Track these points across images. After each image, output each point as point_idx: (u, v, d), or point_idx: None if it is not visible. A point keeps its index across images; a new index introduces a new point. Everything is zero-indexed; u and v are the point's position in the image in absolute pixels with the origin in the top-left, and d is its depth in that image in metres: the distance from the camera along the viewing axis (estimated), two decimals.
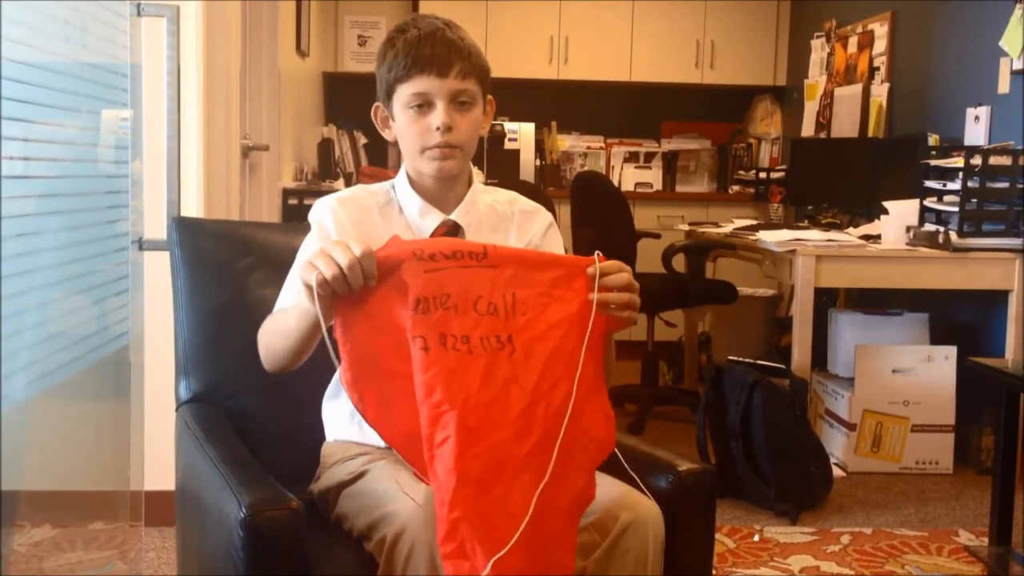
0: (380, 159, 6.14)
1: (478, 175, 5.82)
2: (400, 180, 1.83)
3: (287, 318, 1.65)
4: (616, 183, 6.31)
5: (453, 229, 1.80)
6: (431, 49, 1.70)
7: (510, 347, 1.48)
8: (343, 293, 1.45)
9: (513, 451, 1.43)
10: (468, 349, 1.46)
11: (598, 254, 1.56)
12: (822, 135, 5.74)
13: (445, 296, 1.47)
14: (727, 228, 4.83)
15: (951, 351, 3.95)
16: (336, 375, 1.87)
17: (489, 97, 1.81)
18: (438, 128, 1.71)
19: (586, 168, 6.48)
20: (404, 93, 1.73)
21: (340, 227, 1.76)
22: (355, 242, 1.46)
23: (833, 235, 4.12)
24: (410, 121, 1.73)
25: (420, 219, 1.80)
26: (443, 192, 1.80)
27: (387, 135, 1.82)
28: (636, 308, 1.60)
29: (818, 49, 5.98)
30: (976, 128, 4.18)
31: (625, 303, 1.57)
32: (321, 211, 1.79)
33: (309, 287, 1.45)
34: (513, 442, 1.43)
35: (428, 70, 1.70)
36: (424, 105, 1.72)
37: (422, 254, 1.49)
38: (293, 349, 1.66)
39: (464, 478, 1.39)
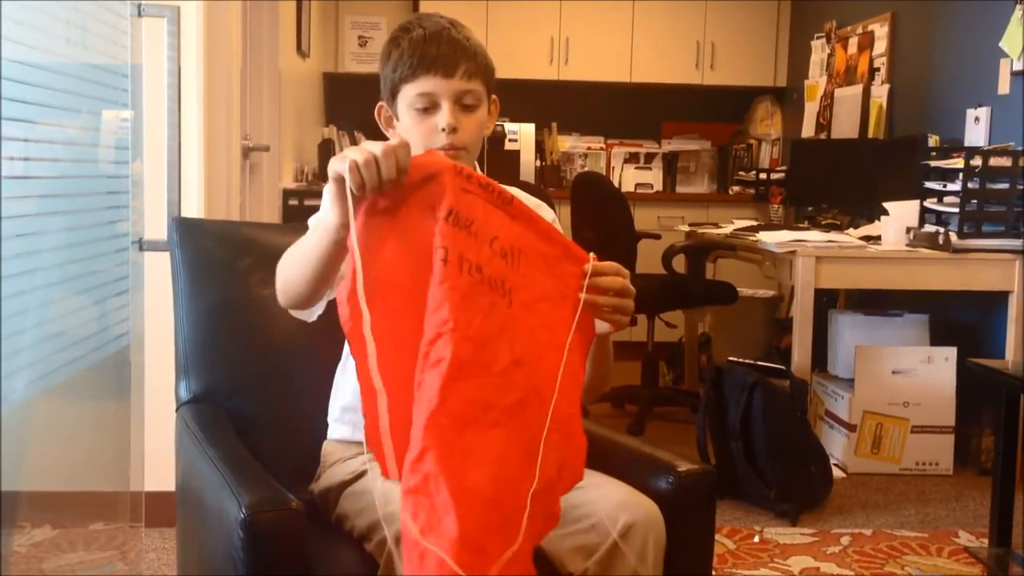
0: None
1: None
2: None
3: (306, 239, 1.55)
4: (616, 184, 6.31)
5: None
6: (436, 49, 1.69)
7: (508, 298, 1.44)
8: (373, 187, 1.36)
9: (492, 400, 1.38)
10: (480, 279, 1.41)
11: (593, 256, 1.54)
12: (822, 136, 5.74)
13: (470, 220, 1.42)
14: (727, 229, 4.83)
15: (951, 352, 3.95)
16: (338, 372, 1.87)
17: (494, 97, 1.80)
18: (443, 129, 1.69)
19: (586, 169, 6.48)
20: (409, 93, 1.71)
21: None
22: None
23: (833, 236, 4.13)
24: (415, 121, 1.72)
25: None
26: None
27: (390, 135, 1.80)
28: (627, 313, 1.56)
29: (818, 50, 5.98)
30: (976, 129, 4.18)
31: (614, 307, 1.53)
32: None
33: (339, 179, 1.36)
34: (493, 391, 1.39)
35: (433, 70, 1.68)
36: (429, 106, 1.70)
37: (460, 171, 1.44)
38: (313, 273, 1.54)
39: (443, 407, 1.34)
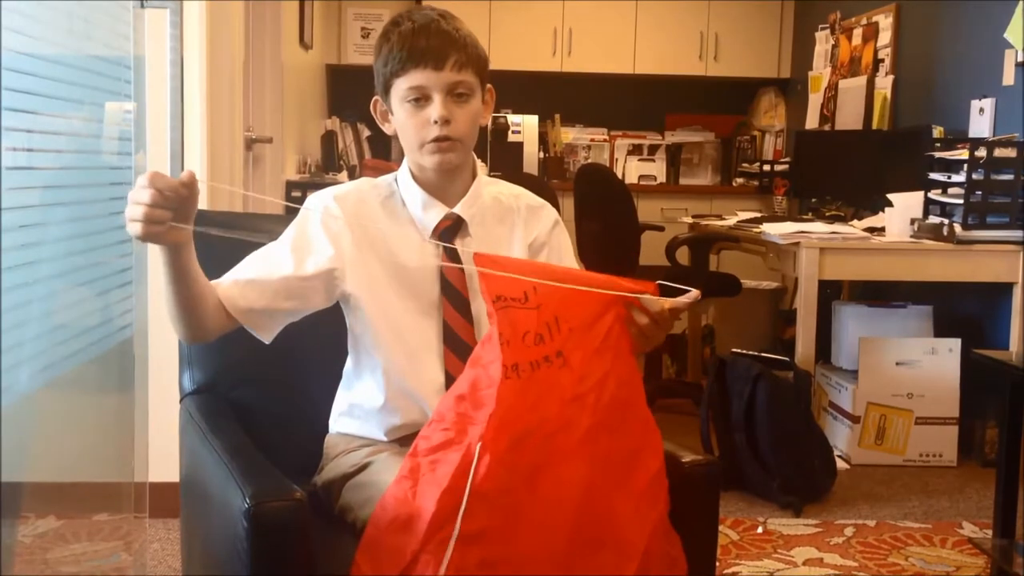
0: (383, 152, 6.13)
1: (482, 167, 5.79)
2: (402, 174, 1.82)
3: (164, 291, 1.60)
4: (620, 176, 6.31)
5: (456, 223, 1.79)
6: (426, 41, 1.69)
7: (559, 360, 1.50)
8: (159, 218, 1.42)
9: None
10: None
11: (658, 284, 1.57)
12: (826, 127, 5.73)
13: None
14: (731, 221, 4.82)
15: (955, 343, 3.94)
16: (347, 366, 1.86)
17: (489, 87, 1.80)
18: (436, 121, 1.69)
19: (590, 161, 6.47)
20: (401, 87, 1.71)
21: (331, 227, 1.73)
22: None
23: (837, 227, 4.12)
24: (408, 115, 1.72)
25: (423, 213, 1.79)
26: (446, 185, 1.79)
27: (387, 129, 1.81)
28: (655, 341, 1.61)
29: (822, 41, 5.97)
30: (981, 120, 4.17)
31: (642, 327, 1.57)
32: (315, 208, 1.76)
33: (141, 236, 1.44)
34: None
35: (424, 63, 1.68)
36: (421, 98, 1.70)
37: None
38: (180, 310, 1.60)
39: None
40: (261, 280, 1.68)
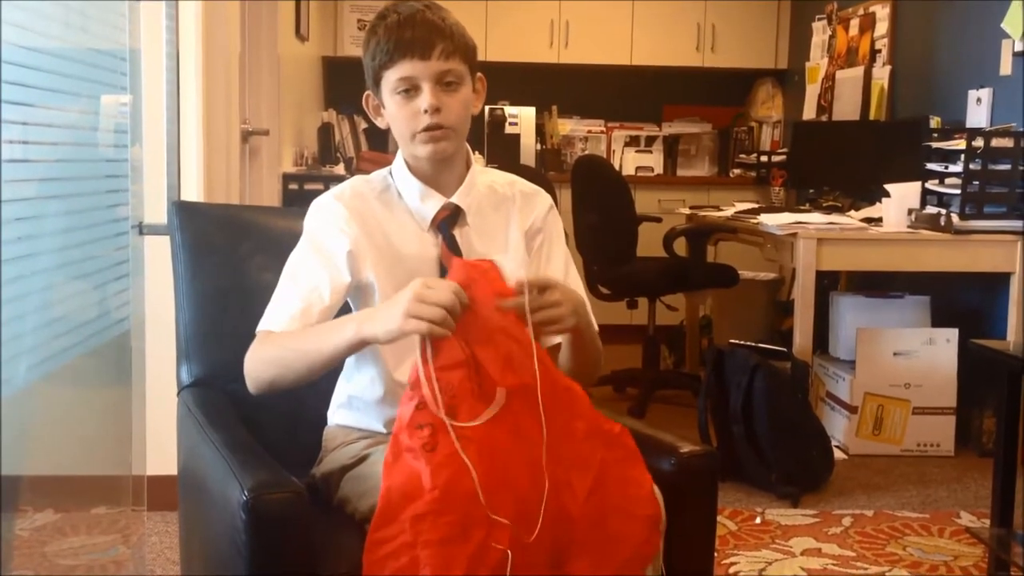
0: (380, 144, 6.12)
1: (478, 160, 5.79)
2: (398, 166, 1.82)
3: (325, 338, 1.63)
4: (617, 167, 6.31)
5: (454, 212, 1.79)
6: (412, 32, 1.69)
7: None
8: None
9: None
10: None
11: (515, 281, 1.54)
12: (823, 118, 5.72)
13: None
14: (728, 212, 4.82)
15: (952, 334, 3.94)
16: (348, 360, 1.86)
17: (479, 75, 1.79)
18: (426, 111, 1.69)
19: (587, 152, 6.47)
20: (390, 79, 1.71)
21: (340, 225, 1.74)
22: (439, 281, 1.52)
23: (834, 218, 4.12)
24: (398, 107, 1.72)
25: (421, 203, 1.79)
26: (441, 175, 1.79)
27: (379, 122, 1.81)
28: (560, 320, 1.57)
29: (819, 32, 5.96)
30: (978, 110, 4.17)
31: (549, 319, 1.55)
32: (319, 212, 1.78)
33: (421, 334, 1.48)
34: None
35: (410, 54, 1.69)
36: (411, 89, 1.70)
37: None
38: (323, 368, 1.66)
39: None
40: (311, 308, 1.71)
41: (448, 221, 1.78)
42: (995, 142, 3.71)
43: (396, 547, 1.42)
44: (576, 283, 1.82)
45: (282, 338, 1.69)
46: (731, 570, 2.87)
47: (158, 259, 2.45)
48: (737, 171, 6.56)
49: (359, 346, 1.60)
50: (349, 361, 1.84)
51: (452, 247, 1.76)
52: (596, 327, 1.75)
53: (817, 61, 5.94)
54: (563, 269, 1.84)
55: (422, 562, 1.40)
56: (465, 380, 1.48)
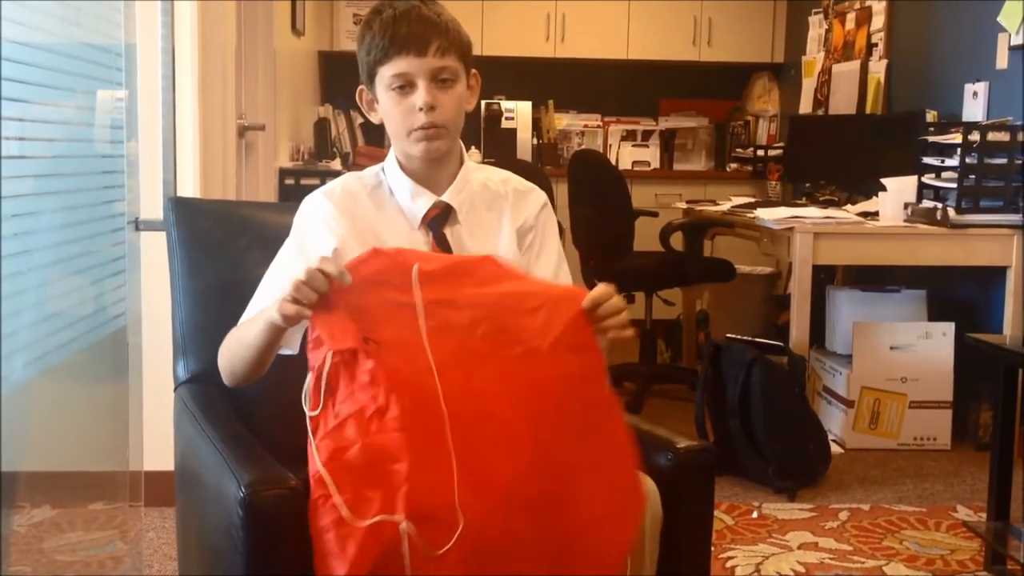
0: (377, 139, 6.11)
1: (475, 154, 5.78)
2: (389, 163, 1.81)
3: (248, 330, 1.67)
4: (613, 161, 6.31)
5: (445, 211, 1.78)
6: (407, 28, 1.68)
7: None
8: (312, 303, 1.48)
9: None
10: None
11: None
12: (820, 112, 5.72)
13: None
14: (725, 206, 4.82)
15: (949, 327, 3.95)
16: None
17: (474, 71, 1.78)
18: (421, 108, 1.68)
19: (583, 146, 6.46)
20: (385, 75, 1.70)
21: (328, 223, 1.73)
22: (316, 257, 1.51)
23: (831, 212, 4.12)
24: (393, 103, 1.71)
25: (411, 201, 1.77)
26: (433, 173, 1.78)
27: (373, 118, 1.80)
28: (627, 325, 1.58)
29: (816, 25, 5.96)
30: (974, 104, 4.17)
31: (620, 325, 1.56)
32: (308, 209, 1.78)
33: (289, 317, 1.50)
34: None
35: (406, 50, 1.68)
36: (405, 86, 1.69)
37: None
38: (257, 359, 1.68)
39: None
40: None
41: (439, 219, 1.77)
42: (991, 136, 3.72)
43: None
44: (567, 281, 1.82)
45: (235, 330, 1.74)
46: (728, 564, 2.87)
47: (154, 255, 2.44)
48: (734, 165, 6.56)
49: (274, 331, 1.59)
50: None
51: (442, 245, 1.75)
52: None
53: (813, 55, 5.93)
54: (554, 266, 1.83)
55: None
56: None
